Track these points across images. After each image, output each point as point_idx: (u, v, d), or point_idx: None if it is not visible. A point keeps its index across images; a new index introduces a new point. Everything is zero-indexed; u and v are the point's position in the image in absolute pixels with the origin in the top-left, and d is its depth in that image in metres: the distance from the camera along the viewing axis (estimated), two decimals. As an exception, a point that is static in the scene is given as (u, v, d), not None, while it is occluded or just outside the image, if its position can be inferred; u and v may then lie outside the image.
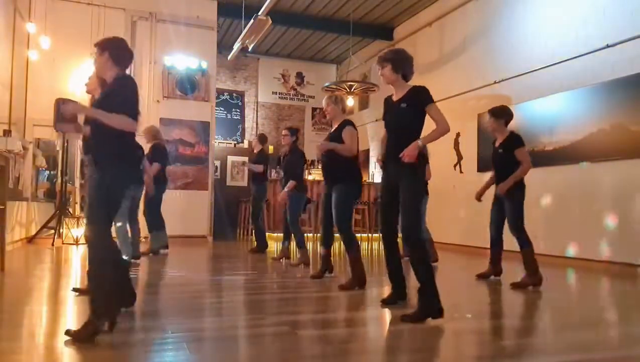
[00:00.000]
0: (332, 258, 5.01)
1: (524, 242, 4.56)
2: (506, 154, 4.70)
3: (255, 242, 7.35)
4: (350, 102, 10.95)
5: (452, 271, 6.21)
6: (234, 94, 12.49)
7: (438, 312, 3.09)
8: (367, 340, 2.93)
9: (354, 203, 4.64)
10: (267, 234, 7.58)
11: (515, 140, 4.71)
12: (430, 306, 3.10)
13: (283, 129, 6.59)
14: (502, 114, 4.82)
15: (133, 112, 2.77)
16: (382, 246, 3.76)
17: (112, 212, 2.80)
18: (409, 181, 3.28)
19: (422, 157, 3.30)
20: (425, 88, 3.38)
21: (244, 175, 11.74)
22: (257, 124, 12.66)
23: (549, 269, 5.33)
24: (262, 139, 7.60)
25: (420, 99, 3.34)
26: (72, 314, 3.36)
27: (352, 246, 4.44)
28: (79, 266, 5.83)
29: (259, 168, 7.14)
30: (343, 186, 4.42)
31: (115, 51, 2.88)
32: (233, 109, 12.48)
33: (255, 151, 7.59)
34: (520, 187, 4.62)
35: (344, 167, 4.47)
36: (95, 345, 2.51)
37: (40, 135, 8.15)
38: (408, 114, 3.36)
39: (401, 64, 3.43)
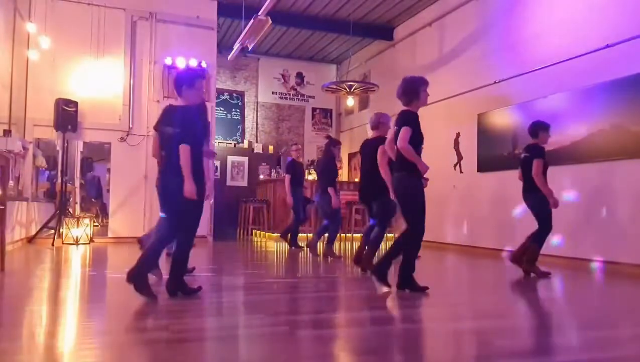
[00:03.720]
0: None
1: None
2: None
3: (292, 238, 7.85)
4: (350, 102, 10.97)
5: (452, 271, 6.20)
6: (234, 94, 12.48)
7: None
8: (366, 340, 2.93)
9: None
10: (267, 234, 7.61)
11: None
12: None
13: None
14: None
15: None
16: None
17: None
18: None
19: None
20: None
21: (244, 175, 11.76)
22: (257, 124, 12.66)
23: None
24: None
25: None
26: (72, 314, 3.36)
27: None
28: (79, 265, 5.84)
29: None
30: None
31: None
32: (233, 109, 12.47)
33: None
34: None
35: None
36: (95, 346, 2.51)
37: (40, 135, 8.14)
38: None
39: None
